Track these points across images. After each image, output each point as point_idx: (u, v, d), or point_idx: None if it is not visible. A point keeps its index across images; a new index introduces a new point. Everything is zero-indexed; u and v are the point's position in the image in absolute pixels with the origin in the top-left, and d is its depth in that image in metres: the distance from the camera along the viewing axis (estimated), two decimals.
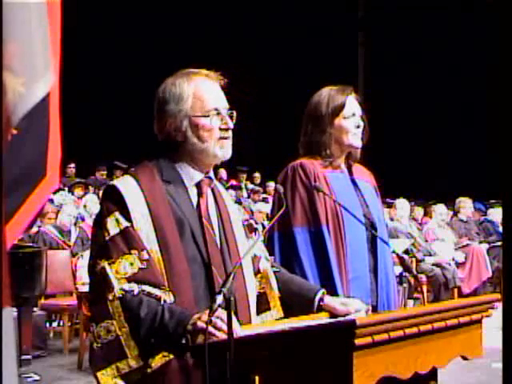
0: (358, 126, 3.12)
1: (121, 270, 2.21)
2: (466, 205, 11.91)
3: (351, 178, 3.19)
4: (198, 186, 2.42)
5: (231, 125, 2.41)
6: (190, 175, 2.41)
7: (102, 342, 2.19)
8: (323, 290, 2.62)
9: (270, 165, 9.63)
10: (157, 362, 2.17)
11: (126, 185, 2.32)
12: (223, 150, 2.40)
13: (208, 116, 2.37)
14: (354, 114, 3.12)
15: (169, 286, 2.24)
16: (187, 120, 2.37)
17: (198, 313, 2.16)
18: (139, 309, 2.17)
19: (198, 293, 2.27)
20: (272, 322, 2.47)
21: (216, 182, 2.54)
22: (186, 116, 2.37)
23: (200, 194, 2.42)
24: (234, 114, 2.43)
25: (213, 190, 2.50)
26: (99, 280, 2.22)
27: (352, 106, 3.12)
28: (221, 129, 2.39)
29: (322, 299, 2.58)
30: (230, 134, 2.41)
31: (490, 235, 11.85)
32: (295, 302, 2.58)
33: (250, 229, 10.49)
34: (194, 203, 2.40)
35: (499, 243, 11.18)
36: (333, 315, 2.54)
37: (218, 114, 2.39)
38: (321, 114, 3.11)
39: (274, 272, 2.62)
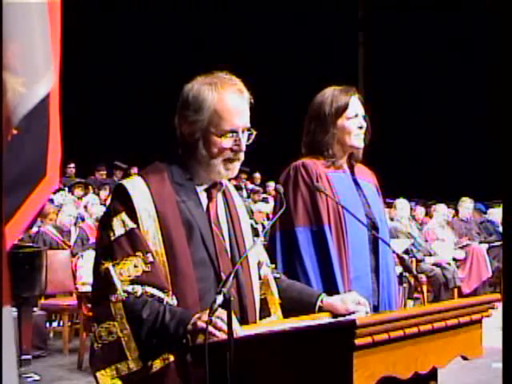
0: (361, 127, 3.12)
1: (124, 272, 2.20)
2: (465, 204, 11.91)
3: (353, 178, 3.19)
4: (208, 190, 2.41)
5: (243, 147, 2.35)
6: (201, 179, 2.39)
7: (103, 342, 2.19)
8: (324, 294, 2.61)
9: (270, 165, 9.62)
10: (157, 364, 2.16)
11: (135, 185, 2.30)
12: (228, 171, 2.36)
13: (222, 136, 2.31)
14: (356, 115, 3.12)
15: (173, 288, 2.23)
16: (201, 132, 2.33)
17: (198, 313, 2.16)
18: (142, 310, 2.17)
19: (205, 296, 2.25)
20: (272, 322, 2.47)
21: (228, 185, 2.52)
22: (201, 128, 2.32)
23: (210, 199, 2.40)
24: (254, 134, 2.37)
25: (224, 193, 2.48)
26: (102, 281, 2.22)
27: (355, 106, 3.13)
28: (232, 150, 2.34)
29: (322, 301, 2.58)
30: (240, 155, 2.36)
31: (490, 235, 11.86)
32: (296, 308, 2.56)
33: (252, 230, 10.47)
34: (204, 207, 2.38)
35: (499, 243, 11.19)
36: (334, 315, 2.54)
37: (233, 134, 2.33)
38: (324, 113, 3.11)
39: (275, 278, 2.61)
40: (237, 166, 2.38)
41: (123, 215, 2.26)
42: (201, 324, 2.10)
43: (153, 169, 2.38)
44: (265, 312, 2.51)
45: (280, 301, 2.56)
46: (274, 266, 2.74)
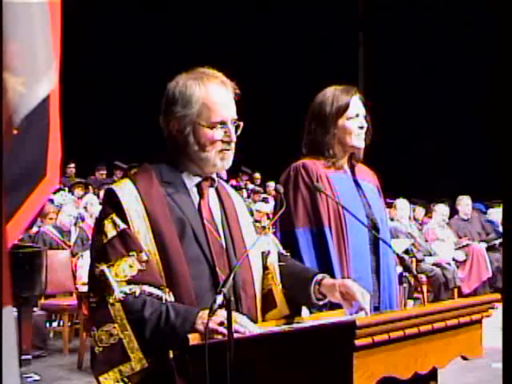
0: (362, 127, 3.12)
1: (120, 273, 2.20)
2: (463, 202, 11.87)
3: (354, 179, 3.19)
4: (199, 186, 2.41)
5: (234, 138, 2.37)
6: (191, 176, 2.40)
7: (104, 345, 2.18)
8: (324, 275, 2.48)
9: (270, 165, 9.62)
10: (159, 363, 2.16)
11: (124, 188, 2.31)
12: (223, 162, 2.38)
13: (212, 128, 2.34)
14: (357, 115, 3.11)
15: (168, 286, 2.23)
16: (191, 126, 2.34)
17: (202, 310, 2.14)
18: (143, 309, 2.17)
19: (201, 293, 2.25)
20: (273, 322, 2.46)
21: (223, 183, 2.52)
22: (191, 122, 2.34)
23: (201, 195, 2.40)
24: (241, 125, 2.40)
25: (218, 190, 2.48)
26: (99, 283, 2.21)
27: (356, 106, 3.12)
28: (223, 141, 2.35)
29: (321, 279, 2.43)
30: (232, 146, 2.38)
31: (488, 235, 11.85)
32: (297, 279, 2.47)
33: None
34: (196, 204, 2.38)
35: (498, 241, 11.21)
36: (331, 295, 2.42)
37: (223, 126, 2.35)
38: (324, 113, 3.10)
39: (280, 266, 2.55)
40: (231, 156, 2.39)
41: (113, 217, 2.26)
42: (213, 326, 2.07)
43: (141, 170, 2.40)
44: (271, 304, 2.47)
45: (284, 290, 2.49)
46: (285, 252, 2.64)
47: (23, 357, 6.24)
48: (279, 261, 2.57)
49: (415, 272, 8.81)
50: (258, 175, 15.97)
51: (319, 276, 2.45)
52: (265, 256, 2.54)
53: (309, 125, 3.17)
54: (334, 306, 2.55)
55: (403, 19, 17.02)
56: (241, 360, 1.95)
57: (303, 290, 2.44)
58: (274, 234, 3.05)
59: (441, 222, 11.28)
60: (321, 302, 2.44)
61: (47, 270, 6.69)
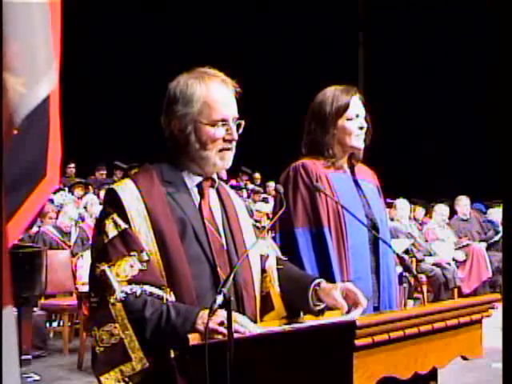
0: (362, 128, 3.11)
1: (121, 273, 2.20)
2: (462, 202, 11.89)
3: (354, 179, 3.18)
4: (199, 187, 2.41)
5: (236, 136, 2.37)
6: (192, 176, 2.40)
7: (105, 345, 2.18)
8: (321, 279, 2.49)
9: (270, 165, 9.62)
10: (160, 362, 2.16)
11: (124, 188, 2.31)
12: (223, 162, 2.37)
13: (214, 126, 2.34)
14: (357, 116, 3.11)
15: (169, 286, 2.23)
16: (192, 125, 2.34)
17: (202, 309, 2.15)
18: (144, 309, 2.17)
19: (202, 293, 2.26)
20: (274, 322, 2.46)
21: (224, 184, 2.52)
22: (192, 121, 2.34)
23: (201, 195, 2.40)
24: (242, 123, 2.39)
25: (218, 191, 2.48)
26: (100, 283, 2.21)
27: (356, 106, 3.11)
28: (225, 139, 2.36)
29: (319, 283, 2.45)
30: (233, 145, 2.38)
31: (485, 234, 11.86)
32: (292, 289, 2.48)
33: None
34: (197, 204, 2.38)
35: (497, 237, 11.24)
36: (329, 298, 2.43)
37: (225, 124, 2.35)
38: (324, 113, 3.10)
39: (278, 270, 2.56)
40: (231, 156, 2.39)
41: (114, 216, 2.26)
42: (213, 326, 2.07)
43: (142, 170, 2.40)
44: (268, 306, 2.48)
45: (281, 294, 2.50)
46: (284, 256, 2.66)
47: (23, 357, 6.24)
48: (277, 265, 2.58)
49: (415, 272, 8.82)
50: (257, 175, 15.97)
51: (317, 281, 2.46)
52: (263, 259, 2.54)
53: (309, 125, 3.17)
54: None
55: (403, 19, 17.02)
56: (241, 360, 1.95)
57: (301, 295, 2.45)
58: (273, 236, 3.05)
59: (441, 222, 11.28)
60: (317, 308, 2.44)
61: (47, 270, 6.69)
